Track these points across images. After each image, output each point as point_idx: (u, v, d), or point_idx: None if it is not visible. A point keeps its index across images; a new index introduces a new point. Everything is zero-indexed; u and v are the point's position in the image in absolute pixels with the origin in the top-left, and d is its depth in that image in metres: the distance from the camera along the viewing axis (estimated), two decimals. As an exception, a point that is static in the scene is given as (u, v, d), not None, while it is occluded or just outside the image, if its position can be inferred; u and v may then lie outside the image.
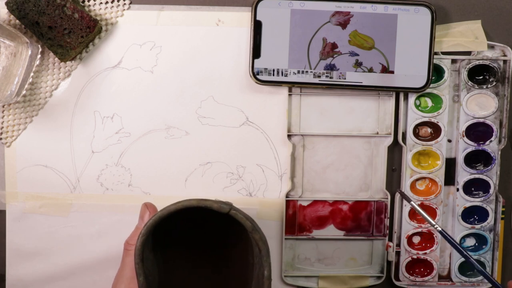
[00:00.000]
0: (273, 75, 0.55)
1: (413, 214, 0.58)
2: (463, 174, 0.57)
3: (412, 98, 0.56)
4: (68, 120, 0.57)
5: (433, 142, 0.56)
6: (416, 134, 0.57)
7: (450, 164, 0.57)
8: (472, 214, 0.58)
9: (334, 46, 0.54)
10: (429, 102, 0.57)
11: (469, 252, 0.53)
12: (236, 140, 0.57)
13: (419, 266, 0.59)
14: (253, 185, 0.58)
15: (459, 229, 0.58)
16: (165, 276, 0.51)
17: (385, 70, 0.55)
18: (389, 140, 0.57)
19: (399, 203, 0.58)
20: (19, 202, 0.58)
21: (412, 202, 0.53)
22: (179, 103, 0.57)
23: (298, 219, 0.58)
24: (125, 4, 0.56)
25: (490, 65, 0.55)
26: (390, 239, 0.58)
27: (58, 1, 0.53)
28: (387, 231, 0.58)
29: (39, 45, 0.55)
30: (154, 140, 0.57)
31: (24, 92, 0.56)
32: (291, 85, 0.55)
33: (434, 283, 0.58)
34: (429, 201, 0.57)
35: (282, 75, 0.55)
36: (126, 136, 0.57)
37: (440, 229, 0.51)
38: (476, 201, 0.57)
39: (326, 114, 0.57)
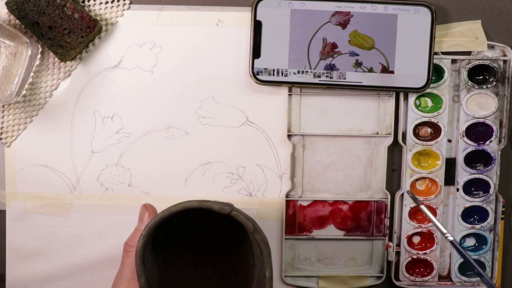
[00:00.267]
0: (273, 75, 0.55)
1: (413, 214, 0.58)
2: (463, 174, 0.57)
3: (412, 98, 0.56)
4: (68, 120, 0.57)
5: (433, 142, 0.56)
6: (416, 134, 0.57)
7: (450, 164, 0.57)
8: (472, 214, 0.58)
9: (334, 46, 0.54)
10: (429, 102, 0.57)
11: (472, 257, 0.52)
12: (236, 140, 0.57)
13: (419, 266, 0.59)
14: (253, 185, 0.58)
15: (459, 229, 0.58)
16: (165, 277, 0.51)
17: (385, 70, 0.55)
18: (389, 140, 0.57)
19: (399, 203, 0.58)
20: (19, 202, 0.58)
21: (422, 206, 0.51)
22: (179, 103, 0.57)
23: (298, 219, 0.58)
24: (125, 4, 0.56)
25: (490, 65, 0.55)
26: (390, 239, 0.58)
27: (58, 1, 0.53)
28: (387, 231, 0.58)
29: (39, 45, 0.55)
30: (154, 140, 0.57)
31: (24, 92, 0.56)
32: (291, 85, 0.55)
33: (434, 283, 0.58)
34: (429, 201, 0.57)
35: (282, 75, 0.55)
36: (126, 136, 0.57)
37: (451, 239, 0.49)
38: (476, 201, 0.57)
39: (326, 114, 0.57)
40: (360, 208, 0.58)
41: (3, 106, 0.57)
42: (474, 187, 0.57)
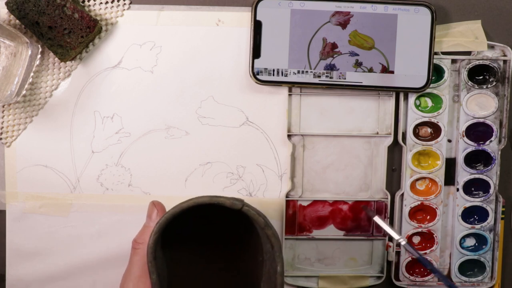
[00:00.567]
0: (273, 75, 0.55)
1: (413, 214, 0.58)
2: (463, 174, 0.57)
3: (412, 98, 0.56)
4: (68, 120, 0.57)
5: (433, 142, 0.56)
6: (416, 134, 0.57)
7: (450, 164, 0.57)
8: (472, 214, 0.58)
9: (334, 46, 0.54)
10: (429, 102, 0.57)
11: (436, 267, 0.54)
12: (236, 140, 0.57)
13: (419, 266, 0.59)
14: (253, 185, 0.58)
15: (459, 229, 0.58)
16: (174, 273, 0.51)
17: (385, 70, 0.55)
18: (389, 140, 0.57)
19: (399, 203, 0.58)
20: (19, 202, 0.58)
21: (375, 218, 0.54)
22: (179, 103, 0.57)
23: (298, 219, 0.58)
24: (125, 4, 0.56)
25: (490, 65, 0.55)
26: (390, 239, 0.58)
27: (58, 1, 0.53)
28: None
29: (39, 45, 0.55)
30: (154, 140, 0.57)
31: (24, 92, 0.56)
32: (291, 85, 0.55)
33: (434, 283, 0.58)
34: (429, 201, 0.57)
35: (282, 75, 0.55)
36: (126, 136, 0.57)
37: (404, 243, 0.52)
38: (476, 201, 0.57)
39: (326, 114, 0.57)
40: (360, 208, 0.58)
41: (3, 106, 0.57)
42: (474, 187, 0.57)
